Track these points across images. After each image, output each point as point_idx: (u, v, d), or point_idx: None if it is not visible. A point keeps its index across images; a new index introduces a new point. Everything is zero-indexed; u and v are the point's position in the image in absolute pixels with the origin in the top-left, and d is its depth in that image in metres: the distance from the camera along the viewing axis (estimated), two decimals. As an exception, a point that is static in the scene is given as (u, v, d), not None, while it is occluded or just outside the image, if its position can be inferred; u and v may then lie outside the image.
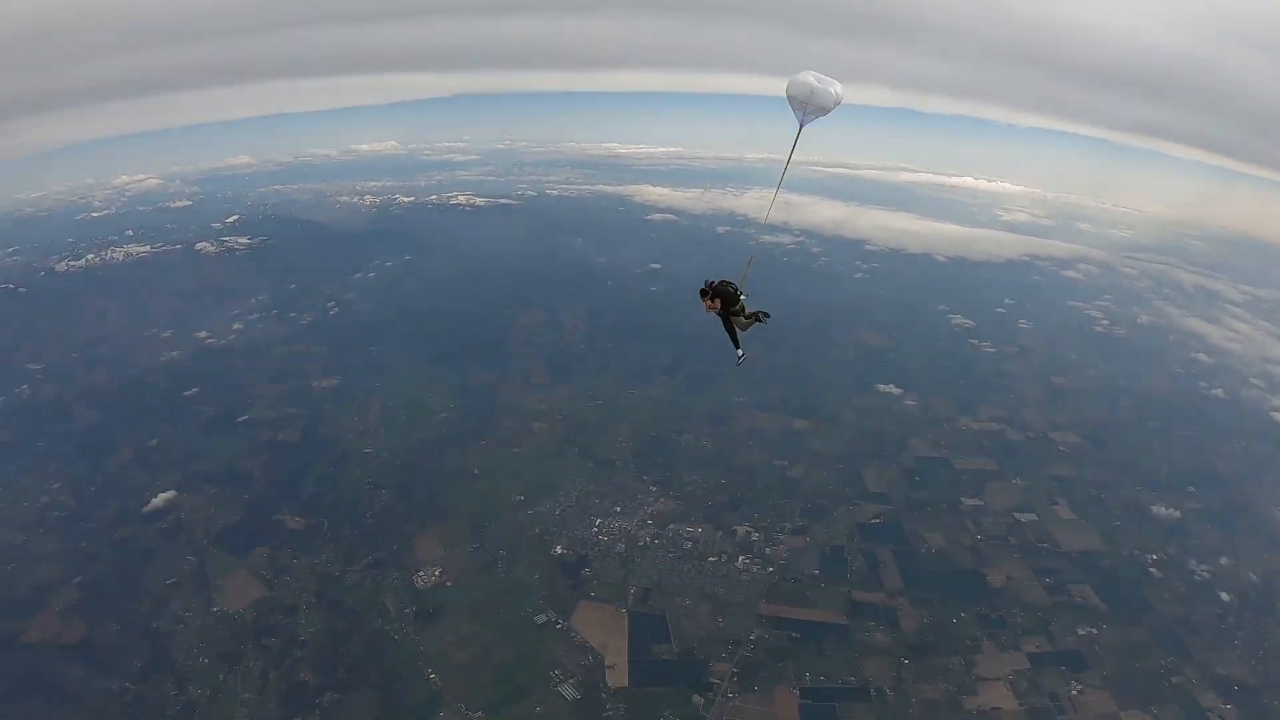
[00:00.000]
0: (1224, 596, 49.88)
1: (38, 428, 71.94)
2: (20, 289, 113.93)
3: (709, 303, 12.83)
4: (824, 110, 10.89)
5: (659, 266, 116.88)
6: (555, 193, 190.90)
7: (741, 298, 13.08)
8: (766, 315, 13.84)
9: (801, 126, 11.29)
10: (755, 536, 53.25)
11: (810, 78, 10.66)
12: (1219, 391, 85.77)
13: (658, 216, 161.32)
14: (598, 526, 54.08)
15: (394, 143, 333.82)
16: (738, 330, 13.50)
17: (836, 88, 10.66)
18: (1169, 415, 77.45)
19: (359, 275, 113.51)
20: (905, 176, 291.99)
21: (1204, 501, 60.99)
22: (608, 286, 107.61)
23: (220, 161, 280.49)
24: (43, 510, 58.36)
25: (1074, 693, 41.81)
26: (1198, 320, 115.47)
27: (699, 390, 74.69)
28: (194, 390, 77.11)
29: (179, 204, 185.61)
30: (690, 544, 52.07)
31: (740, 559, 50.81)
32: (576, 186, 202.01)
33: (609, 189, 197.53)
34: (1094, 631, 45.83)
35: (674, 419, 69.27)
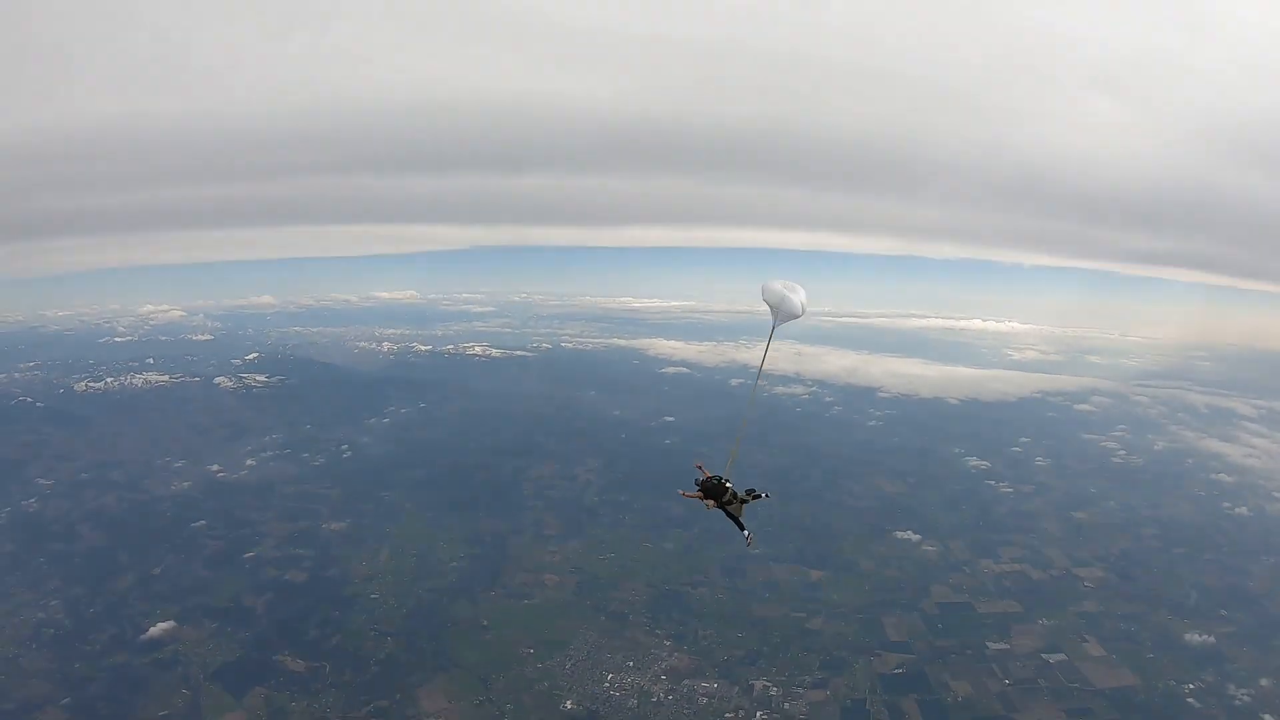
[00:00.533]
0: (1268, 719, 55.19)
1: (41, 544, 80.00)
2: (38, 403, 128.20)
3: (707, 502, 15.21)
4: (793, 315, 13.49)
5: (672, 419, 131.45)
6: (570, 345, 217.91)
7: (728, 486, 15.22)
8: (762, 494, 16.10)
9: (774, 327, 14.13)
10: (774, 691, 57.56)
11: (778, 285, 13.60)
12: (1243, 510, 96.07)
13: (671, 369, 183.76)
14: (609, 682, 58.89)
15: (413, 292, 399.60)
16: (739, 515, 15.70)
17: (801, 296, 13.44)
18: (1194, 540, 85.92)
19: (374, 420, 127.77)
20: (914, 322, 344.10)
21: (1237, 624, 67.38)
22: (621, 439, 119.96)
23: (244, 299, 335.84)
24: (38, 626, 64.70)
25: None
26: (1215, 441, 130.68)
27: (713, 543, 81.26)
28: (202, 522, 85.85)
29: (201, 337, 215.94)
30: (705, 699, 56.51)
31: (758, 715, 55.23)
32: (591, 339, 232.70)
33: (623, 342, 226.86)
34: None
35: (688, 572, 76.34)
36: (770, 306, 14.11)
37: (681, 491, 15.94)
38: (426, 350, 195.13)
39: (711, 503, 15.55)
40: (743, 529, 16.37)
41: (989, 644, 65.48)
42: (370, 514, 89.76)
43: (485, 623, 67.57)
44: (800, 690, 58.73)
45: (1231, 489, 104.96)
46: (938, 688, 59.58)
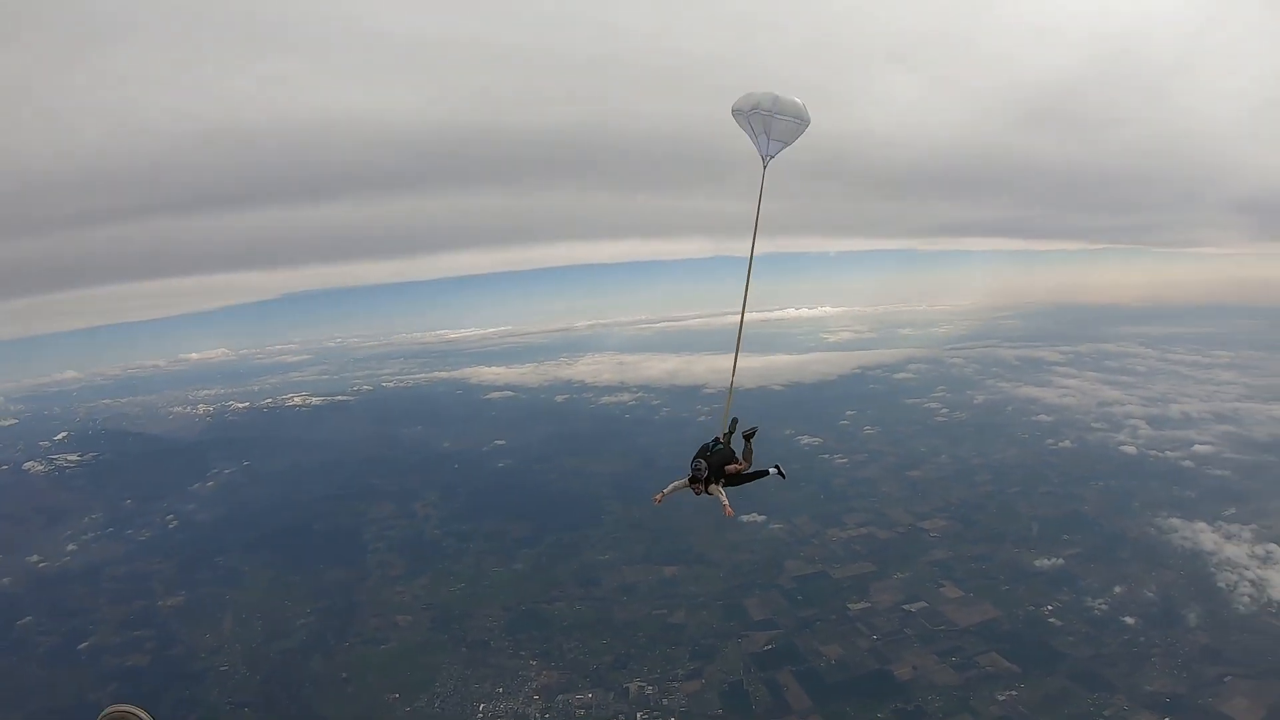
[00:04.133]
0: (1128, 621, 73.77)
1: None
2: None
3: (711, 487, 16.49)
4: (788, 129, 13.58)
5: (503, 442, 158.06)
6: (391, 384, 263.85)
7: (730, 443, 17.62)
8: (747, 432, 18.14)
9: (766, 164, 13.88)
10: (649, 690, 68.95)
11: (756, 93, 13.66)
12: (1066, 443, 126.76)
13: (496, 395, 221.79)
14: (482, 712, 68.78)
15: (224, 349, 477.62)
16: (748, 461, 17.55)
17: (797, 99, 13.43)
18: (1026, 478, 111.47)
19: (198, 485, 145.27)
20: (730, 319, 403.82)
21: (1081, 545, 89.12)
22: (454, 469, 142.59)
23: (45, 377, 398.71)
24: None
25: None
26: (1030, 387, 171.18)
27: (563, 557, 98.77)
28: (28, 619, 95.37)
29: (3, 423, 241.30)
30: (583, 711, 67.37)
31: (638, 715, 66.12)
32: (412, 376, 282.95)
33: (445, 374, 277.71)
34: (1014, 693, 64.35)
35: (542, 589, 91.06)
36: (749, 124, 14.29)
37: (657, 497, 16.81)
38: (244, 407, 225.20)
39: (701, 486, 16.51)
40: (767, 473, 18.36)
41: (850, 605, 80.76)
42: (207, 583, 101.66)
43: (345, 675, 77.49)
44: (675, 684, 70.45)
45: (1052, 427, 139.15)
46: (809, 656, 72.66)
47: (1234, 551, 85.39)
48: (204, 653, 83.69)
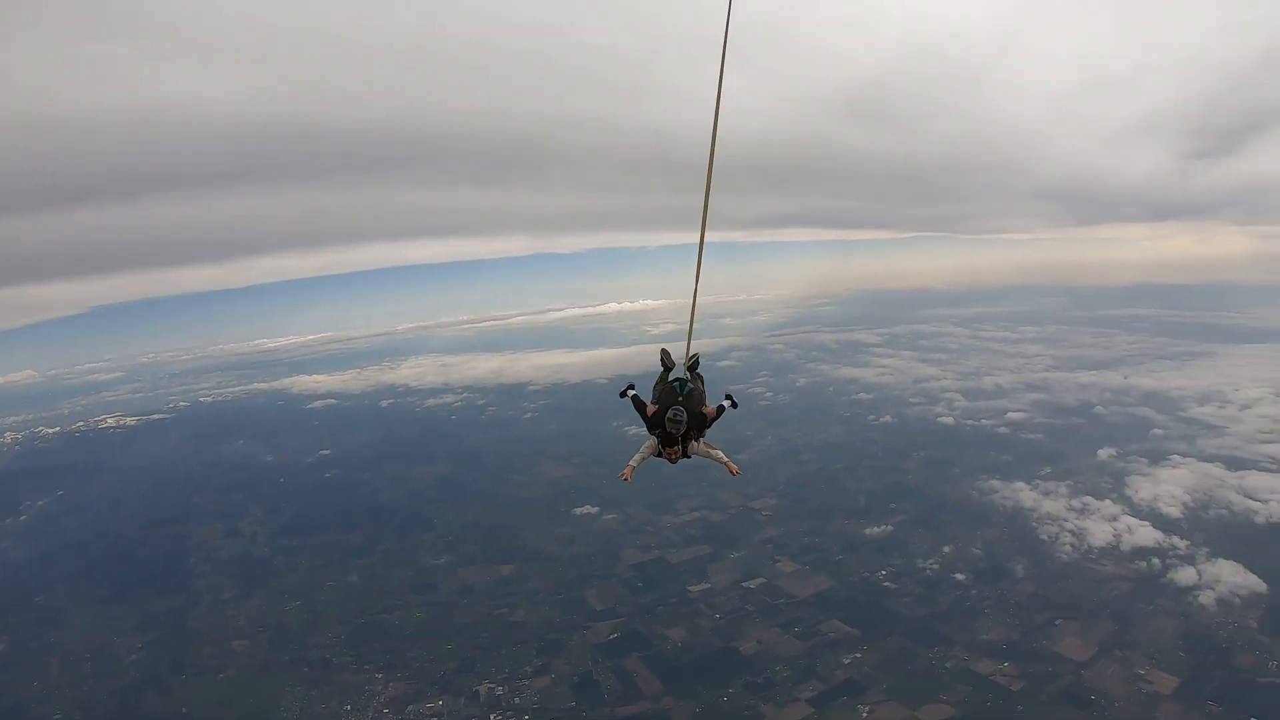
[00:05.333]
0: (959, 578, 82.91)
1: None
2: None
3: (694, 445, 15.20)
4: None
5: (329, 452, 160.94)
6: (209, 399, 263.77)
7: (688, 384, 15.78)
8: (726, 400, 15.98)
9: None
10: (500, 691, 71.70)
11: None
12: (887, 418, 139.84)
13: (318, 404, 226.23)
14: None
15: (31, 371, 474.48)
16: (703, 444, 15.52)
17: None
18: (850, 454, 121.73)
19: (9, 520, 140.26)
20: (553, 316, 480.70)
21: (907, 512, 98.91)
22: (280, 483, 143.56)
23: None
24: None
25: (865, 714, 64.16)
26: (849, 368, 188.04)
27: (397, 564, 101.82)
28: None
29: None
30: (435, 719, 70.21)
31: (491, 717, 69.11)
32: (230, 389, 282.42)
33: (264, 386, 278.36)
34: (858, 656, 71.24)
35: (379, 599, 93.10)
36: None
37: (625, 472, 15.29)
38: (55, 433, 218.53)
39: (678, 450, 15.04)
40: (723, 408, 16.07)
41: (690, 588, 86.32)
42: (28, 625, 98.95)
43: (184, 710, 77.13)
44: (525, 682, 73.62)
45: (872, 404, 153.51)
46: (655, 640, 77.17)
47: (1052, 506, 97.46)
48: (33, 702, 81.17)
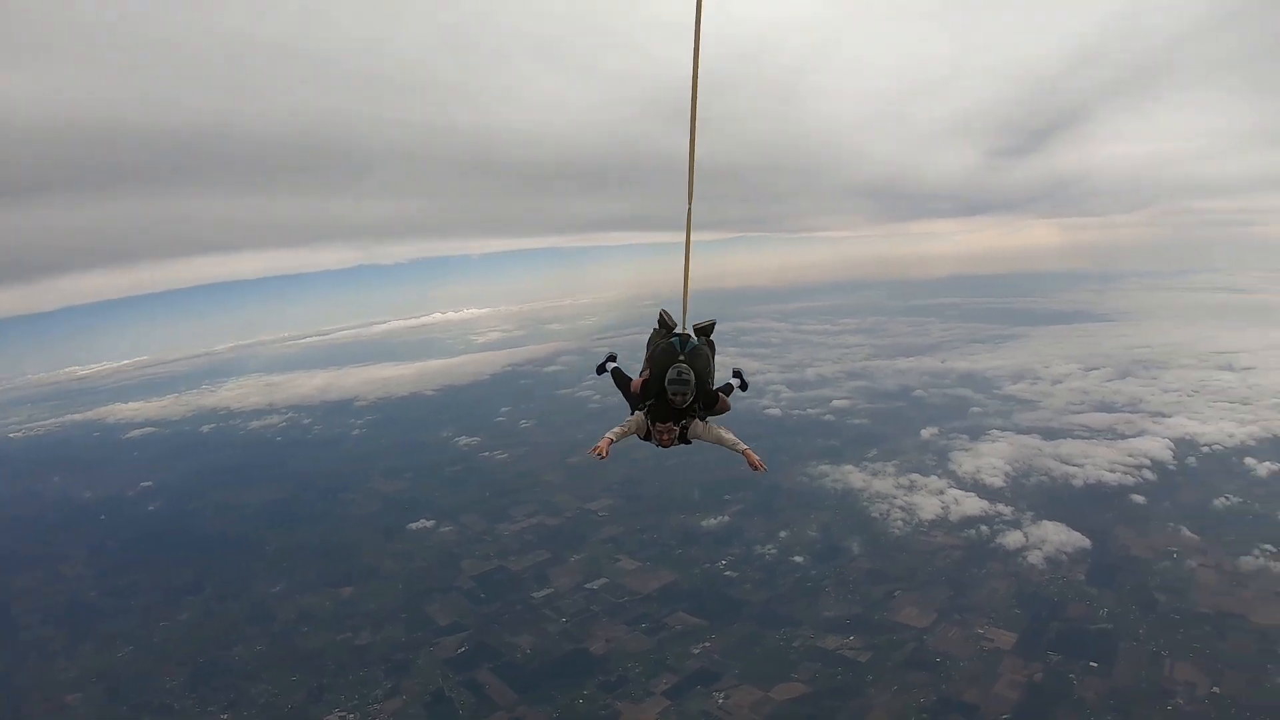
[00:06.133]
0: (798, 560, 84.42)
1: None
2: None
3: (699, 426, 12.76)
4: None
5: (151, 484, 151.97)
6: (19, 434, 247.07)
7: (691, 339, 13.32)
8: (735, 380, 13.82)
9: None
10: (351, 718, 67.40)
11: None
12: None
13: (137, 433, 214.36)
14: None
15: None
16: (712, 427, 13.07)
17: None
18: (682, 449, 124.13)
19: None
20: (378, 329, 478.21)
21: (743, 502, 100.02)
22: (101, 520, 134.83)
23: None
24: None
25: (721, 700, 64.08)
26: None
27: (232, 596, 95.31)
28: None
29: None
30: None
31: None
32: (42, 422, 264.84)
33: (78, 417, 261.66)
34: (707, 645, 71.10)
35: (217, 635, 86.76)
36: None
37: (601, 448, 12.23)
38: None
39: (673, 430, 12.65)
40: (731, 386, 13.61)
41: (534, 594, 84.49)
42: None
43: None
44: (376, 706, 69.89)
45: None
46: (504, 650, 74.77)
47: (882, 485, 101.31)
48: None
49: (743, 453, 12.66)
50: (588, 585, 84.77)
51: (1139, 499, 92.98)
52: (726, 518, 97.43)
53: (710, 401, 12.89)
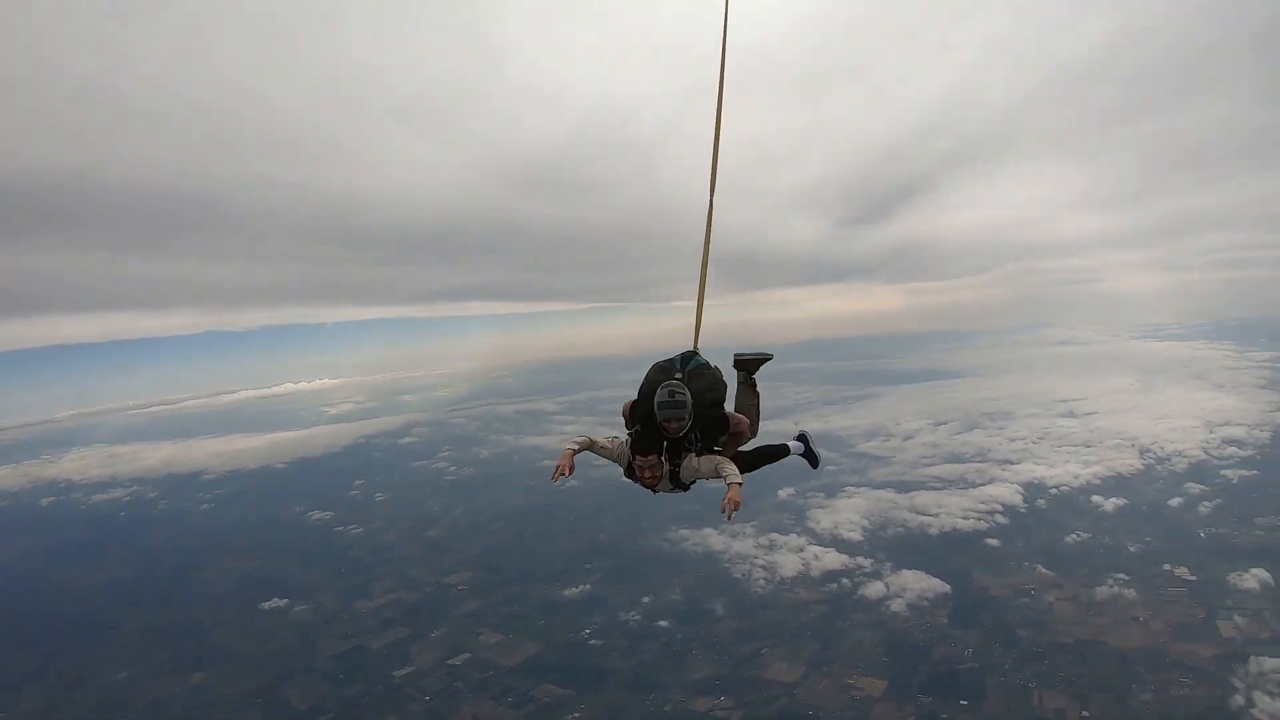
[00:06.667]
0: (663, 624, 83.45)
1: None
2: None
3: (703, 460, 11.14)
4: None
5: None
6: None
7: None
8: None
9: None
10: None
11: None
12: (574, 482, 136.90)
13: None
14: None
15: None
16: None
17: None
18: (540, 520, 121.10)
19: None
20: (228, 398, 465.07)
21: (603, 570, 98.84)
22: None
23: None
24: None
25: None
26: (532, 437, 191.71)
27: (78, 684, 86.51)
28: None
29: None
30: None
31: None
32: None
33: None
34: (576, 715, 69.30)
35: None
36: None
37: (561, 469, 10.90)
38: None
39: (658, 462, 10.98)
40: (814, 457, 12.97)
41: (395, 673, 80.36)
42: None
43: None
44: None
45: (550, 470, 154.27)
46: None
47: (741, 546, 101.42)
48: None
49: (727, 486, 10.85)
50: (450, 661, 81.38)
51: (994, 542, 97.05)
52: (588, 586, 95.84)
53: (715, 429, 11.02)
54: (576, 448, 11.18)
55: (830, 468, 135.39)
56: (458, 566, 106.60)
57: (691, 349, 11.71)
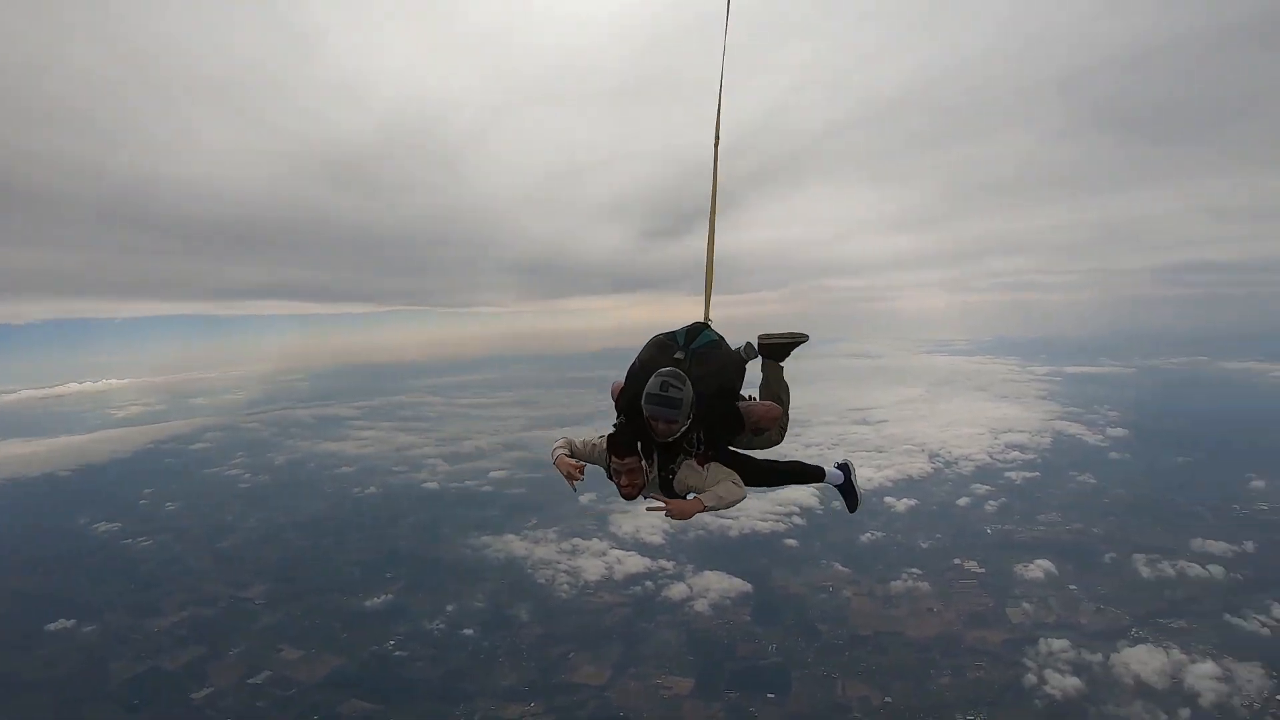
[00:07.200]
0: (468, 633, 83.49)
1: None
2: None
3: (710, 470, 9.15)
4: None
5: None
6: None
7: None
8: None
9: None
10: None
11: None
12: (372, 490, 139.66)
13: None
14: None
15: None
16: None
17: None
18: (339, 528, 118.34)
19: None
20: (5, 399, 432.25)
21: (406, 578, 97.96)
22: None
23: None
24: None
25: None
26: (329, 443, 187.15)
27: None
28: None
29: None
30: None
31: None
32: None
33: None
34: None
35: None
36: None
37: (571, 474, 9.19)
38: None
39: (641, 469, 9.01)
40: (854, 496, 12.13)
41: (193, 695, 76.81)
42: None
43: None
44: None
45: (355, 476, 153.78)
46: None
47: (544, 552, 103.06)
48: None
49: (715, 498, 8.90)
50: (250, 680, 78.15)
51: (792, 542, 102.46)
52: (390, 596, 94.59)
53: (724, 428, 8.89)
54: (567, 451, 9.33)
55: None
56: (254, 579, 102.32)
57: (702, 320, 9.56)
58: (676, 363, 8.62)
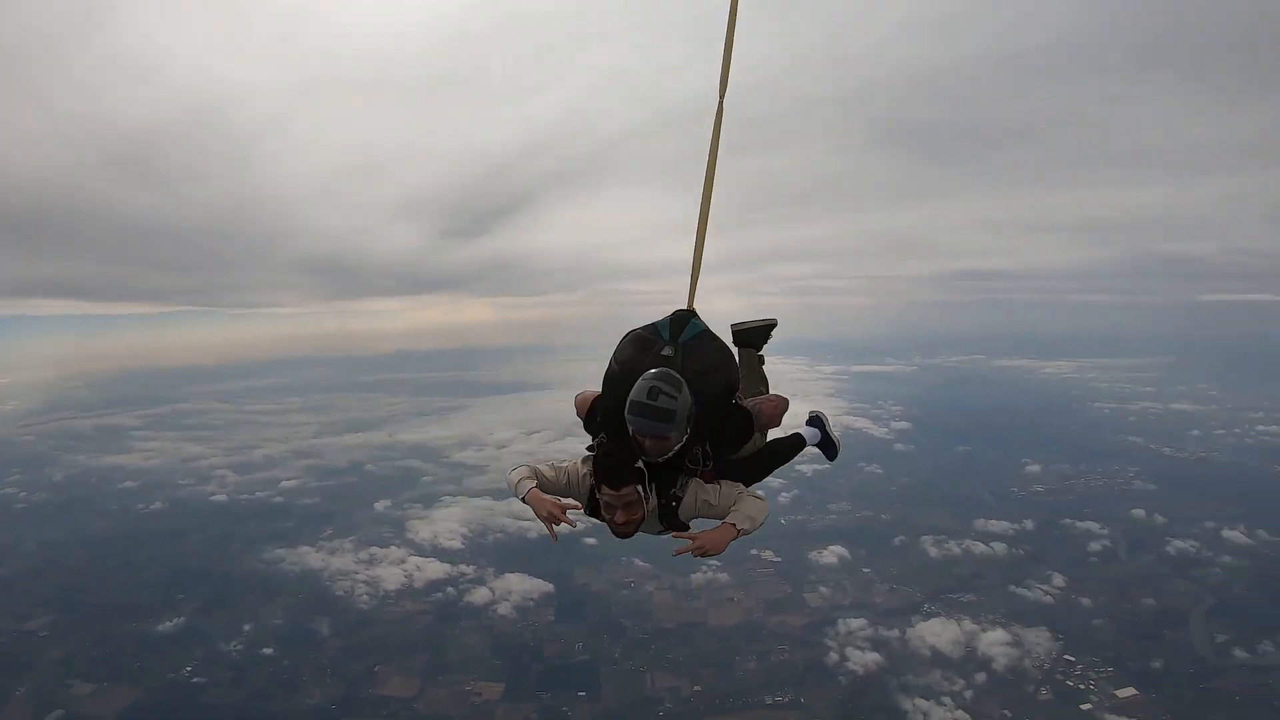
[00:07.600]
0: (268, 652, 79.82)
1: None
2: None
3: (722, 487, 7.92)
4: None
5: None
6: None
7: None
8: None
9: None
10: None
11: None
12: (158, 504, 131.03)
13: None
14: None
15: None
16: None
17: None
18: (124, 547, 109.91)
19: None
20: None
21: (198, 597, 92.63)
22: None
23: None
24: None
25: None
26: (111, 455, 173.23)
27: None
28: None
29: None
30: None
31: None
32: None
33: None
34: None
35: None
36: None
37: (555, 518, 7.30)
38: None
39: (640, 497, 7.07)
40: (833, 447, 9.37)
41: None
42: None
43: None
44: None
45: (140, 491, 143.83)
46: None
47: (341, 563, 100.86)
48: None
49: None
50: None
51: (592, 541, 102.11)
52: (183, 618, 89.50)
53: (735, 433, 7.62)
54: (535, 483, 7.64)
55: (426, 478, 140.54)
56: (36, 609, 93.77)
57: (687, 307, 7.65)
58: (666, 361, 6.91)
